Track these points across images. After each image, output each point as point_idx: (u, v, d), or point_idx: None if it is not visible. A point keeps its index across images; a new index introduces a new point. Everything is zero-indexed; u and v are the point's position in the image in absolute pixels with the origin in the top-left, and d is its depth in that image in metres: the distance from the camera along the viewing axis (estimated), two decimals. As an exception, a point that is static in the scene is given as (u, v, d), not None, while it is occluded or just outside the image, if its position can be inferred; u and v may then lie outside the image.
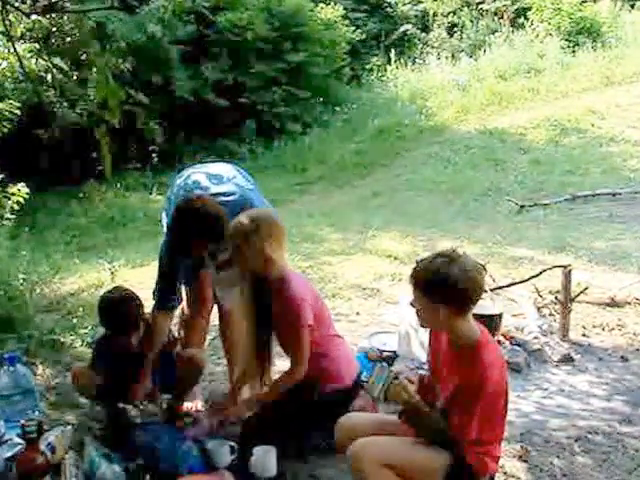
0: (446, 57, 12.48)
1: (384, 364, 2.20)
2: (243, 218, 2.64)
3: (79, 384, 2.93)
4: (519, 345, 3.62)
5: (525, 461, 2.65)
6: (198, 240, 2.70)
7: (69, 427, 2.76)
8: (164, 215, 3.14)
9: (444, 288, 1.98)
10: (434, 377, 2.21)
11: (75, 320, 4.10)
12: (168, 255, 2.83)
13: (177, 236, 2.76)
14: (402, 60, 12.40)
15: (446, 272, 1.97)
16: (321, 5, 12.10)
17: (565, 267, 3.81)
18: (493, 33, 13.24)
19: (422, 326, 2.23)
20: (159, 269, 2.90)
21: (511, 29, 13.22)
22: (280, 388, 2.65)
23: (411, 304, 2.12)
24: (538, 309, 4.12)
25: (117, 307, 2.79)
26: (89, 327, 3.90)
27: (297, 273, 2.82)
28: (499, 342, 3.51)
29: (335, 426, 2.31)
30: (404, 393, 2.07)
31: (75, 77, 8.82)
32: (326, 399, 2.63)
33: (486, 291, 3.67)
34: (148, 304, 2.91)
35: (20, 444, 2.52)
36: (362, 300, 4.46)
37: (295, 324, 2.58)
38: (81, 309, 4.27)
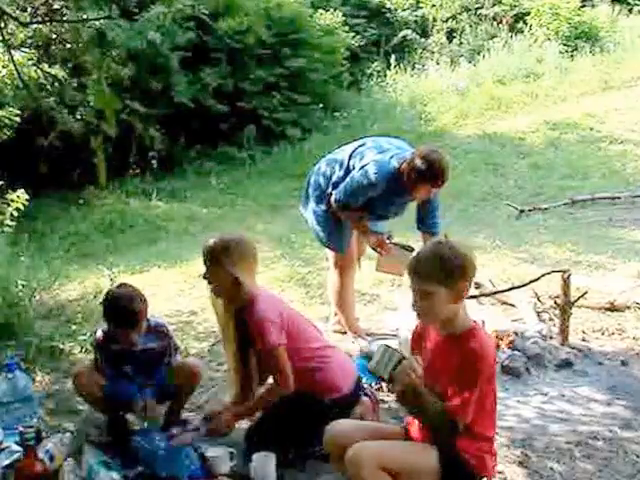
0: (445, 62, 12.50)
1: (387, 344, 2.17)
2: (213, 239, 2.65)
3: (80, 386, 2.85)
4: (518, 350, 3.61)
5: (525, 467, 2.64)
6: None
7: (68, 434, 2.75)
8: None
9: (442, 267, 2.07)
10: (426, 374, 2.19)
11: (74, 327, 4.09)
12: None
13: None
14: (401, 65, 12.40)
15: (443, 253, 2.09)
16: (320, 11, 12.12)
17: (564, 271, 3.80)
18: (492, 38, 13.25)
19: (426, 322, 2.22)
20: None
21: (510, 34, 13.23)
22: (263, 403, 2.68)
23: (413, 305, 2.12)
24: (537, 314, 4.11)
25: (127, 302, 2.79)
26: (88, 334, 3.89)
27: (266, 293, 2.78)
28: (497, 346, 3.51)
29: (324, 435, 2.28)
30: (412, 373, 2.05)
31: (75, 83, 8.84)
32: (326, 409, 2.62)
33: (476, 296, 3.68)
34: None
35: (18, 451, 2.51)
36: (362, 306, 4.45)
37: (265, 347, 2.59)
38: (80, 316, 4.26)
